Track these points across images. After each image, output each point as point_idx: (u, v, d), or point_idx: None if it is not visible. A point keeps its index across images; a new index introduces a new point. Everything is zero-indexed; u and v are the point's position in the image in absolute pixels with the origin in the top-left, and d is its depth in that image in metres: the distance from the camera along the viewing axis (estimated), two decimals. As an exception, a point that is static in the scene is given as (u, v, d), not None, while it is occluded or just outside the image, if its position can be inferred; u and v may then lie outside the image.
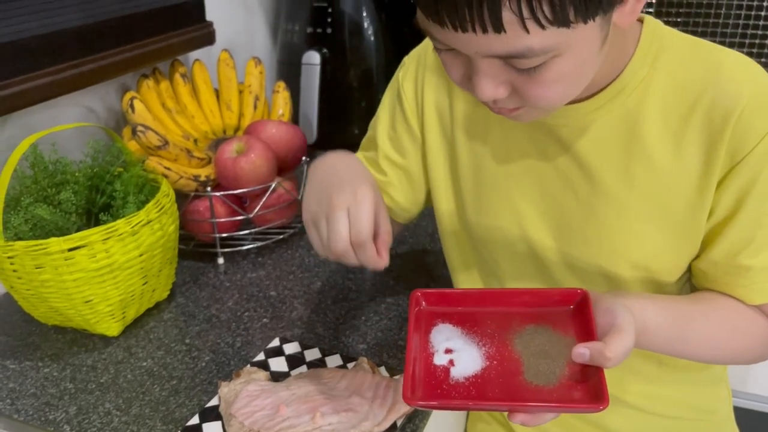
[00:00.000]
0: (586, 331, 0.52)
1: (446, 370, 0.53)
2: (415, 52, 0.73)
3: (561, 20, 0.44)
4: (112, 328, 0.76)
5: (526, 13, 0.43)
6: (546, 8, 0.43)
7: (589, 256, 0.65)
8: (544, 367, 0.52)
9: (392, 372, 0.68)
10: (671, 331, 0.59)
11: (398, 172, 0.75)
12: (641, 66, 0.59)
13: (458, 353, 0.54)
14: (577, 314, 0.55)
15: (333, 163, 0.64)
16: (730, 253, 0.61)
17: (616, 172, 0.61)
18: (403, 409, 0.61)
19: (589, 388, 0.49)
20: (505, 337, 0.55)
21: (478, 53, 0.48)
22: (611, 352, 0.49)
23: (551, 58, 0.48)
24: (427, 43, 0.72)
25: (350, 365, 0.69)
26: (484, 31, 0.45)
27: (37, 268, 0.69)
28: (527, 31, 0.45)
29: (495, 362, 0.53)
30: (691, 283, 0.69)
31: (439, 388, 0.51)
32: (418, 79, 0.71)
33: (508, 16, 0.44)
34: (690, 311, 0.61)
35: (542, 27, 0.44)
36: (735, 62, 0.58)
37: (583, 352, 0.50)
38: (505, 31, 0.45)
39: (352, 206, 0.54)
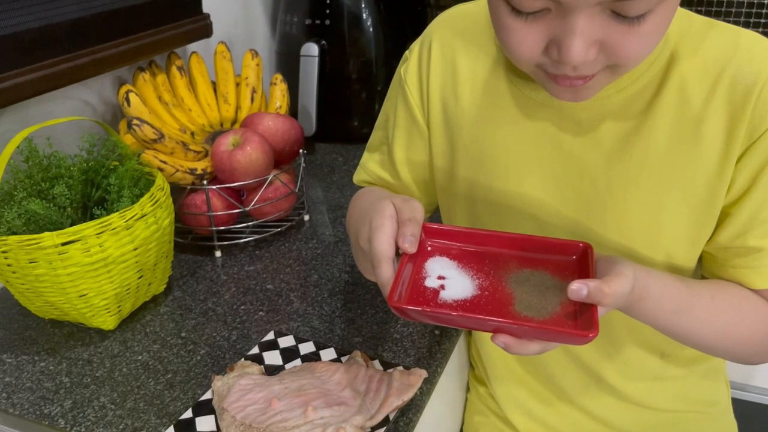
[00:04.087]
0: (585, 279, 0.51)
1: (436, 292, 0.52)
2: (415, 46, 0.72)
3: None
4: (107, 321, 0.76)
5: None
6: None
7: (607, 239, 0.64)
8: (536, 303, 0.51)
9: (386, 365, 0.68)
10: (675, 301, 0.58)
11: (413, 172, 0.74)
12: (661, 49, 0.59)
13: (450, 280, 0.54)
14: (577, 265, 0.55)
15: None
16: (740, 233, 0.60)
17: (636, 155, 0.60)
18: (396, 402, 0.61)
19: (579, 321, 0.49)
20: (501, 275, 0.55)
21: (591, 1, 0.46)
22: (609, 289, 0.48)
23: (658, 3, 0.47)
24: (428, 33, 0.71)
25: (344, 359, 0.69)
26: None
27: (31, 262, 0.69)
28: None
29: (486, 293, 0.53)
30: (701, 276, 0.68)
31: (426, 304, 0.51)
32: (422, 70, 0.70)
33: None
34: (696, 288, 0.61)
35: None
36: (752, 41, 0.58)
37: (579, 287, 0.48)
38: None
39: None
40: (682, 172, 0.60)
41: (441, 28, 0.70)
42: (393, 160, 0.74)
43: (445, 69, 0.69)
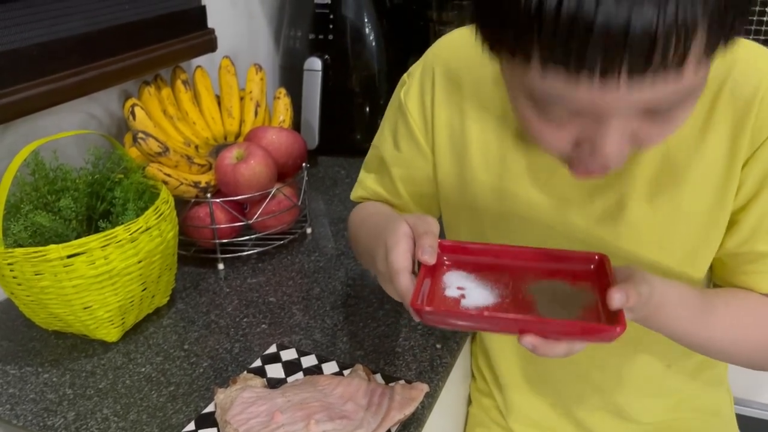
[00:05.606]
0: (603, 288, 0.51)
1: (457, 301, 0.52)
2: (415, 70, 0.71)
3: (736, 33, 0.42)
4: (111, 333, 0.77)
5: (714, 40, 0.41)
6: (738, 26, 0.41)
7: (617, 247, 0.64)
8: (559, 309, 0.51)
9: (388, 379, 0.68)
10: (690, 309, 0.58)
11: (411, 189, 0.74)
12: None
13: (470, 290, 0.53)
14: (594, 275, 0.54)
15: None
16: (748, 238, 0.61)
17: (644, 164, 0.61)
18: (398, 416, 0.61)
19: (604, 321, 0.49)
20: (519, 286, 0.54)
21: (634, 104, 0.43)
22: (638, 289, 0.48)
23: (691, 93, 0.45)
24: (429, 61, 0.70)
25: (346, 372, 0.69)
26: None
27: (36, 274, 0.70)
28: (708, 60, 0.42)
29: (507, 300, 0.52)
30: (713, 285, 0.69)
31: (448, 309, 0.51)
32: (425, 97, 0.69)
33: (697, 49, 0.40)
34: (710, 295, 0.62)
35: (711, 56, 0.42)
36: (749, 50, 0.59)
37: (621, 294, 0.47)
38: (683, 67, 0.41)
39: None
40: (690, 180, 0.60)
41: (443, 55, 0.69)
42: (391, 177, 0.75)
43: (451, 100, 0.68)
